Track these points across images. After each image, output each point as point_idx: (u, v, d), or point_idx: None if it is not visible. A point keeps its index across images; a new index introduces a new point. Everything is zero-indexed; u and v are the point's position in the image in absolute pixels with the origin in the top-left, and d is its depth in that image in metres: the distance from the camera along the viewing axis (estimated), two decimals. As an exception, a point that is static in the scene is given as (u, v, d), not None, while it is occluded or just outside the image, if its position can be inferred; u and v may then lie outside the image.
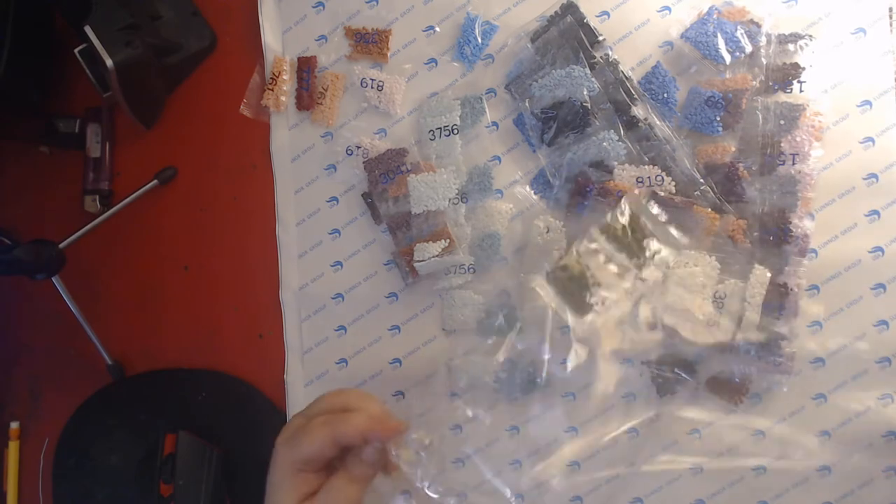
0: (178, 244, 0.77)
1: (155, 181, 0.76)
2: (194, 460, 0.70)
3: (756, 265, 0.60)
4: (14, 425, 0.79)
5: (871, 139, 0.61)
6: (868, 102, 0.61)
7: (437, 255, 0.65)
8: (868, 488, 0.61)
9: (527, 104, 0.65)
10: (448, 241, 0.65)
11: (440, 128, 0.67)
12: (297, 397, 0.72)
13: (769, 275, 0.59)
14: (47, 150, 0.81)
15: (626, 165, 0.62)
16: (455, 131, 0.67)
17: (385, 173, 0.68)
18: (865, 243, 0.61)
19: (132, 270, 0.78)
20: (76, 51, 0.70)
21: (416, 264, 0.66)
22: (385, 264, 0.70)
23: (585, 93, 0.63)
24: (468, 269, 0.67)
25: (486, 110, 0.68)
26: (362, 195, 0.71)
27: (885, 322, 0.61)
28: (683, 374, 0.62)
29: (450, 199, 0.66)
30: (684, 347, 0.62)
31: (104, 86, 0.71)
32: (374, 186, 0.69)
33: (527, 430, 0.67)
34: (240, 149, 0.76)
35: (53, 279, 0.70)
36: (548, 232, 0.64)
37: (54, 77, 0.79)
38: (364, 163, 0.70)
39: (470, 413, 0.65)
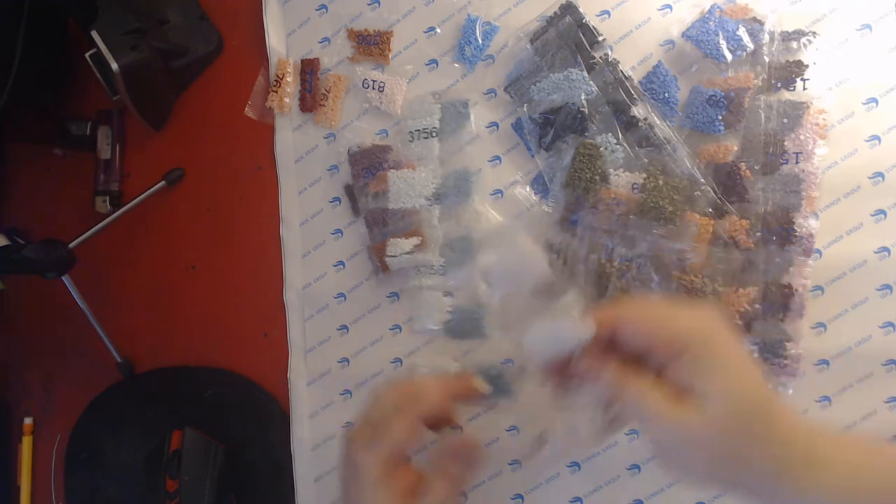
0: (185, 244, 0.78)
1: (163, 182, 0.77)
2: (199, 456, 0.71)
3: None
4: (28, 421, 0.81)
5: (877, 137, 0.60)
6: (874, 100, 0.60)
7: (408, 252, 0.66)
8: (874, 493, 0.59)
9: (525, 109, 0.65)
10: (420, 239, 0.66)
11: (419, 129, 0.68)
12: (300, 395, 0.73)
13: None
14: (60, 152, 0.83)
15: (622, 172, 0.62)
16: (434, 134, 0.68)
17: (368, 168, 0.69)
18: (871, 243, 0.60)
19: (141, 270, 0.80)
20: (87, 55, 0.72)
21: (387, 259, 0.67)
22: (386, 264, 0.71)
23: (583, 97, 0.63)
24: (438, 269, 0.68)
25: (472, 116, 0.68)
26: (344, 187, 0.72)
27: (891, 324, 0.59)
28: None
29: (426, 198, 0.67)
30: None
31: (114, 89, 0.73)
32: (356, 180, 0.71)
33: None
34: (246, 150, 0.77)
35: (64, 278, 0.72)
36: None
37: (68, 81, 0.81)
38: (350, 155, 0.71)
39: None
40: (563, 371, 0.39)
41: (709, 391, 0.34)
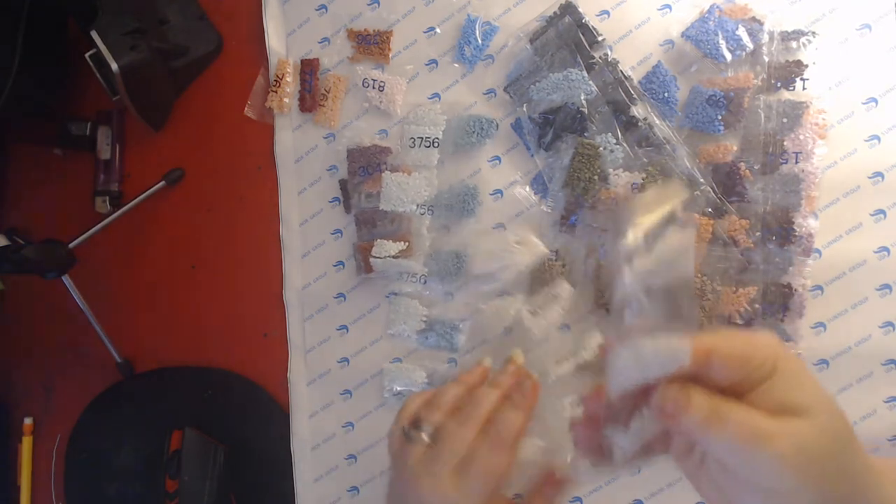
0: (185, 244, 0.78)
1: (163, 182, 0.77)
2: (199, 456, 0.71)
3: (595, 332, 0.60)
4: (28, 421, 0.81)
5: (876, 137, 0.60)
6: (874, 100, 0.60)
7: (393, 256, 0.66)
8: (874, 493, 0.59)
9: (524, 109, 0.66)
10: (407, 244, 0.66)
11: (422, 137, 0.68)
12: (300, 395, 0.73)
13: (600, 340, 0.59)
14: (60, 152, 0.83)
15: (621, 172, 0.62)
16: (436, 144, 0.68)
17: (365, 167, 0.69)
18: (871, 243, 0.60)
19: (141, 269, 0.80)
20: (87, 55, 0.72)
21: (372, 260, 0.67)
22: (386, 264, 0.71)
23: (582, 97, 0.63)
24: (420, 279, 0.68)
25: (493, 137, 0.68)
26: (339, 181, 0.72)
27: (890, 323, 0.59)
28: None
29: (418, 205, 0.67)
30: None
31: (114, 89, 0.73)
32: (352, 176, 0.71)
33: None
34: (246, 150, 0.77)
35: (64, 278, 0.72)
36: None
37: (68, 81, 0.81)
38: (348, 151, 0.71)
39: None
40: (629, 403, 0.36)
41: (811, 402, 0.33)
